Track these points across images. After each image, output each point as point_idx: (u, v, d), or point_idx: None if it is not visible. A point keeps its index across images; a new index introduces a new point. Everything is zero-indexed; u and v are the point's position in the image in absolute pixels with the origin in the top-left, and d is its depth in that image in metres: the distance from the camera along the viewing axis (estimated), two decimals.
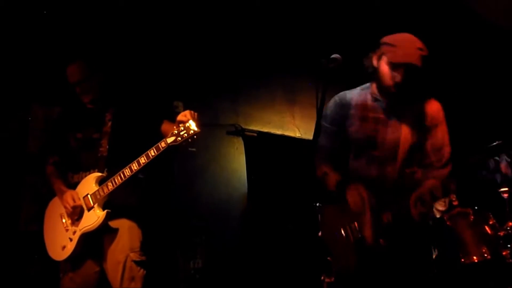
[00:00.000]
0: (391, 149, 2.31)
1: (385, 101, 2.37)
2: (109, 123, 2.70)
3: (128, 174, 2.49)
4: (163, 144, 2.42)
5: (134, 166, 2.48)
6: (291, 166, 4.59)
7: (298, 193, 4.09)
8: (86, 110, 2.78)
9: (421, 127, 2.32)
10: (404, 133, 2.30)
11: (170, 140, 2.39)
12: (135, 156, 2.49)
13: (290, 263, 4.22)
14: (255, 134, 4.82)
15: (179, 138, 2.37)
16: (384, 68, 2.28)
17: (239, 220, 4.55)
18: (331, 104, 2.49)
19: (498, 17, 4.50)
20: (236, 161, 4.72)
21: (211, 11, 4.32)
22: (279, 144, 4.92)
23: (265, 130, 4.92)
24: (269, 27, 4.58)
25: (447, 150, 2.32)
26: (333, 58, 2.23)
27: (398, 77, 2.24)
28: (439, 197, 2.25)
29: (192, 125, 2.36)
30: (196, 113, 2.43)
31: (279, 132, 5.02)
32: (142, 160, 2.47)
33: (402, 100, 2.34)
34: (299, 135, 5.12)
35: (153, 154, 2.45)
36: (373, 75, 2.37)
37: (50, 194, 2.79)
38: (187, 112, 2.42)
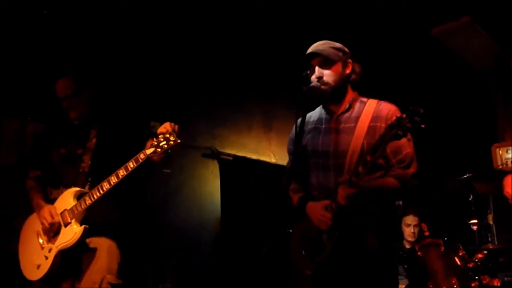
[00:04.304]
0: (343, 156, 2.23)
1: (335, 111, 2.34)
2: (94, 140, 2.66)
3: (107, 187, 2.43)
4: (142, 156, 2.37)
5: (113, 179, 2.42)
6: (266, 191, 4.59)
7: (272, 218, 4.07)
8: (71, 126, 2.74)
9: (376, 131, 2.21)
10: (355, 139, 2.23)
11: (149, 151, 2.34)
12: None
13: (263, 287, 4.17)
14: (231, 158, 4.82)
15: (159, 149, 2.32)
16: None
17: (211, 244, 4.49)
18: (293, 127, 2.48)
19: (475, 58, 4.69)
20: (210, 184, 4.69)
21: (188, 34, 4.35)
22: (254, 169, 4.93)
23: (241, 154, 4.93)
24: (248, 51, 4.63)
25: (407, 151, 2.24)
26: (312, 86, 2.27)
27: (314, 72, 2.27)
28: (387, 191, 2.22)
29: (172, 136, 2.33)
30: (176, 125, 2.40)
31: (254, 157, 5.03)
32: (121, 172, 2.41)
33: (333, 99, 2.31)
34: (275, 160, 5.14)
35: (132, 166, 2.39)
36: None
37: (18, 209, 2.71)
38: (167, 124, 2.39)
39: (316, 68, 2.29)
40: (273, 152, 5.17)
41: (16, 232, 2.78)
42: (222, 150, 4.77)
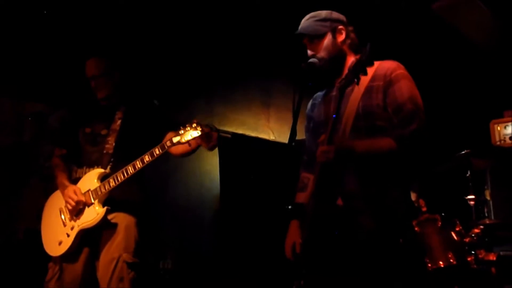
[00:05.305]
0: (339, 122, 2.08)
1: (336, 80, 2.26)
2: (119, 121, 2.70)
3: (132, 171, 2.49)
4: (168, 143, 2.43)
5: (138, 164, 2.48)
6: (265, 168, 4.61)
7: (271, 195, 4.10)
8: (97, 106, 2.78)
9: (372, 91, 2.10)
10: (351, 102, 2.10)
11: (176, 139, 2.40)
12: (139, 156, 2.50)
13: (263, 265, 4.23)
14: (229, 136, 4.82)
15: (184, 140, 2.40)
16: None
17: (211, 222, 4.54)
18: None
19: (475, 34, 4.64)
20: (209, 162, 4.71)
21: (188, 12, 4.30)
22: (253, 146, 4.94)
23: (240, 131, 4.93)
24: (247, 28, 4.59)
25: (408, 107, 2.04)
26: (311, 62, 2.25)
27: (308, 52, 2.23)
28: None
29: (199, 127, 2.38)
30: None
31: (253, 134, 5.04)
32: (146, 158, 2.47)
33: (333, 70, 2.24)
34: (273, 137, 5.15)
35: (157, 152, 2.46)
36: None
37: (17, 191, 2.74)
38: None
39: (308, 47, 2.24)
40: (271, 129, 5.18)
41: (17, 211, 2.82)
42: (221, 128, 4.77)
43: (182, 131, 2.40)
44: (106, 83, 2.73)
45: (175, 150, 2.59)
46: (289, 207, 2.40)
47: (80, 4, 3.74)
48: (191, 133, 2.39)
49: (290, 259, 2.21)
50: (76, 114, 2.84)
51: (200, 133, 2.38)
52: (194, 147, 2.50)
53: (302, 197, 2.34)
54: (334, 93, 2.26)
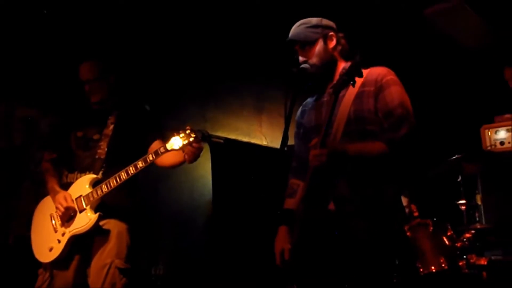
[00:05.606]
0: (330, 127, 2.10)
1: (328, 86, 2.27)
2: (111, 126, 2.68)
3: (124, 177, 2.47)
4: (162, 150, 2.42)
5: (131, 170, 2.46)
6: (257, 173, 4.61)
7: (263, 200, 4.10)
8: (90, 110, 2.76)
9: (363, 96, 2.13)
10: (342, 108, 2.12)
11: (169, 146, 2.39)
12: (132, 162, 2.48)
13: (256, 270, 4.22)
14: (222, 141, 4.82)
15: (178, 147, 2.39)
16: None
17: (203, 227, 4.52)
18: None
19: (466, 38, 4.68)
20: (201, 167, 4.70)
21: (182, 17, 4.30)
22: (246, 151, 4.94)
23: (232, 137, 4.93)
24: (240, 34, 4.60)
25: (398, 112, 2.07)
26: (301, 67, 2.26)
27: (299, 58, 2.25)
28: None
29: (193, 134, 2.38)
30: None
31: (246, 139, 5.04)
32: (140, 164, 2.46)
33: (325, 76, 2.26)
34: (266, 143, 5.15)
35: (151, 158, 2.44)
36: None
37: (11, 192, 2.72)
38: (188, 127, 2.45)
39: (299, 53, 2.26)
40: (264, 135, 5.18)
41: (13, 213, 2.79)
42: (213, 133, 4.76)
43: (175, 138, 2.39)
44: (100, 87, 2.70)
45: (161, 162, 2.58)
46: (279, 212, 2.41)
47: (74, 8, 3.72)
48: (184, 140, 2.38)
49: (279, 265, 2.21)
50: (68, 118, 2.82)
51: (193, 139, 2.38)
52: (186, 155, 2.47)
53: (291, 203, 2.35)
54: (325, 98, 2.28)
